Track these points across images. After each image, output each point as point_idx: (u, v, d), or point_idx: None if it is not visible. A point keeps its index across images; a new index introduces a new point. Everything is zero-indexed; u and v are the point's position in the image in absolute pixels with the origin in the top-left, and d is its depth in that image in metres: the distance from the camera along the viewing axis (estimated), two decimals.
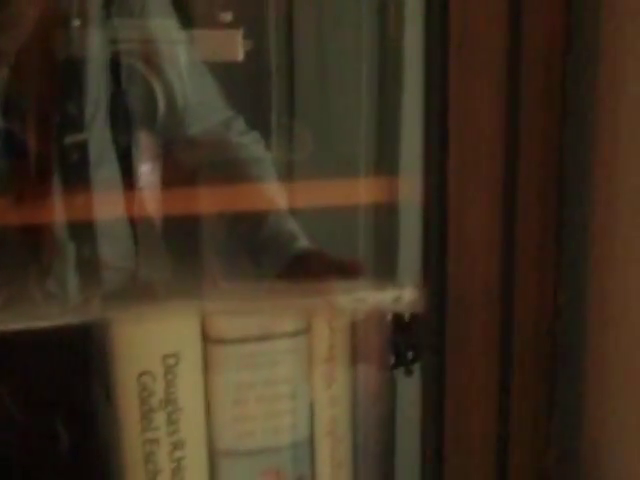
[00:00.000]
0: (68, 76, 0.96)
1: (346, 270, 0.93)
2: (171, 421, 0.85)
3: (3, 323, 0.79)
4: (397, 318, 0.86)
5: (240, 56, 0.91)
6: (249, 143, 1.06)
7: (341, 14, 1.01)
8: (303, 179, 0.98)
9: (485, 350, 0.81)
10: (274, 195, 1.03)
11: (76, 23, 0.91)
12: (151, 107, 0.91)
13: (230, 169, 1.05)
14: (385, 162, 1.00)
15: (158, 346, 0.84)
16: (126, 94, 0.92)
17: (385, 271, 0.87)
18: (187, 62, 0.91)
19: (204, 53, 0.90)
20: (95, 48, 0.91)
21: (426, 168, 0.78)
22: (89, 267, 0.99)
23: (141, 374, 0.84)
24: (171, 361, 0.84)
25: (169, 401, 0.85)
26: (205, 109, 1.04)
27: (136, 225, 1.01)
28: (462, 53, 0.75)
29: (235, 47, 0.90)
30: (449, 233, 0.78)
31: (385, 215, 0.91)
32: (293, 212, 1.01)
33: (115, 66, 0.91)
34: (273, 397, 0.87)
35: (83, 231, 0.99)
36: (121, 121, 0.95)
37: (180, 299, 0.85)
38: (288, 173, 1.01)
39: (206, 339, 0.85)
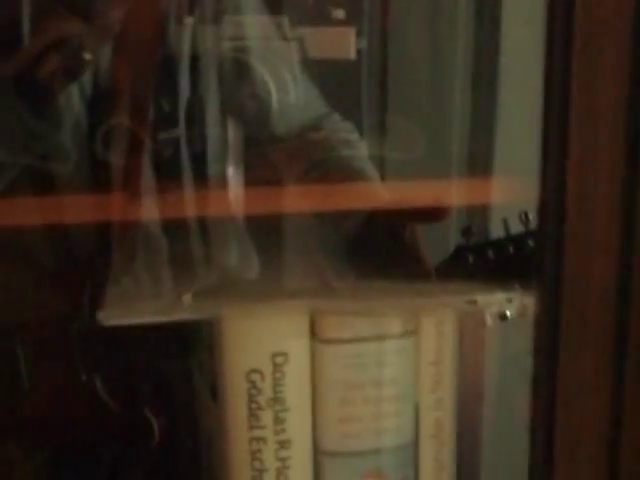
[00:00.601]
0: (173, 73, 0.96)
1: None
2: (278, 420, 0.85)
3: (117, 318, 0.80)
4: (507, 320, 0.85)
5: (353, 54, 0.90)
6: (342, 139, 1.05)
7: (441, 12, 1.00)
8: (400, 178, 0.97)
9: (599, 355, 0.79)
10: (374, 188, 1.01)
11: (188, 21, 0.91)
12: (265, 105, 0.90)
13: (325, 167, 1.04)
14: (480, 162, 0.98)
15: (268, 344, 0.84)
16: (239, 92, 0.92)
17: (495, 273, 0.86)
18: (299, 60, 0.91)
19: (316, 51, 0.90)
20: (207, 45, 0.91)
21: (543, 169, 0.77)
22: (182, 263, 0.99)
23: (250, 371, 0.84)
24: (280, 359, 0.84)
25: (277, 400, 0.85)
26: (297, 109, 1.04)
27: (229, 223, 1.01)
28: (585, 53, 0.73)
29: (348, 45, 0.89)
30: (566, 234, 0.77)
31: (491, 215, 0.90)
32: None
33: (227, 63, 0.91)
34: (380, 398, 0.87)
35: (176, 227, 0.99)
36: (231, 119, 0.95)
37: (290, 297, 0.84)
38: (384, 172, 1.00)
39: (315, 338, 0.85)
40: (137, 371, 1.01)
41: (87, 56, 0.89)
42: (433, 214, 0.91)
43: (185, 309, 0.82)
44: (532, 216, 0.86)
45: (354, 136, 1.04)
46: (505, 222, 0.91)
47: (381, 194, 0.98)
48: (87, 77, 0.94)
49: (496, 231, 0.93)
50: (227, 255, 1.01)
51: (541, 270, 0.79)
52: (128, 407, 1.01)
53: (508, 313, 0.82)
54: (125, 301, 0.81)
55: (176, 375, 1.01)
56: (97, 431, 1.05)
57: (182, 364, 0.99)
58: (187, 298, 0.85)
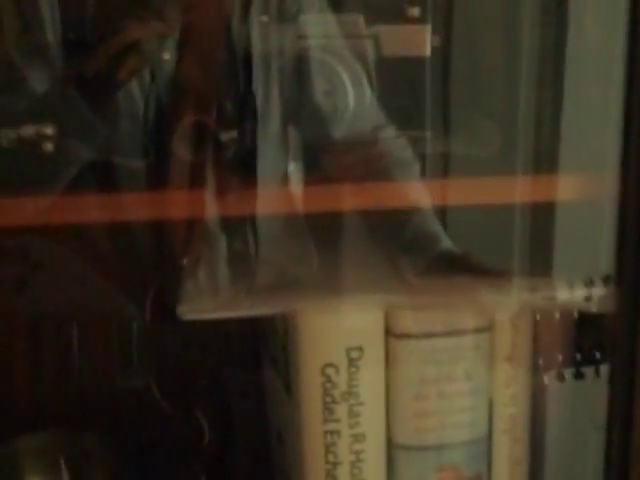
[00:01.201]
0: (248, 71, 0.97)
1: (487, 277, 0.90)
2: (352, 414, 0.85)
3: (196, 313, 0.80)
4: (586, 317, 0.84)
5: (428, 51, 0.90)
6: (397, 147, 1.04)
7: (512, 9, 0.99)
8: (474, 175, 0.96)
9: None
10: (419, 197, 1.01)
11: (264, 19, 0.92)
12: (342, 103, 0.90)
13: (376, 169, 1.04)
14: (548, 160, 0.97)
15: (343, 339, 0.84)
16: (312, 90, 0.92)
17: (570, 269, 0.85)
18: (374, 59, 0.91)
19: (392, 49, 0.90)
20: (282, 43, 0.91)
21: (624, 166, 0.75)
22: (240, 260, 0.99)
23: (325, 366, 0.84)
24: (355, 354, 0.84)
25: (351, 394, 0.85)
26: (368, 109, 1.04)
27: (287, 221, 1.01)
28: None
29: (424, 42, 0.89)
30: None
31: (566, 213, 0.88)
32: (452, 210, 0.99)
33: (303, 62, 0.91)
34: (454, 394, 0.87)
35: (235, 224, 0.99)
36: (305, 117, 0.95)
37: (365, 292, 0.84)
38: (448, 170, 0.99)
39: (390, 333, 0.85)
40: (207, 368, 1.02)
41: (166, 56, 0.89)
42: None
43: (262, 304, 0.82)
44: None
45: (408, 154, 1.04)
46: None
47: (421, 199, 0.97)
48: (162, 76, 0.95)
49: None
50: (288, 253, 1.01)
51: (621, 267, 0.78)
52: (185, 408, 1.02)
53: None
54: (202, 296, 0.82)
55: (247, 371, 1.02)
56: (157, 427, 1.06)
57: (253, 360, 1.00)
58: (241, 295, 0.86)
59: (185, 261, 0.96)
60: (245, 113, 0.97)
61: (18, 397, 1.09)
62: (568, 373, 0.89)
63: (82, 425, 1.06)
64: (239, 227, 1.00)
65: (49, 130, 0.80)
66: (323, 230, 0.98)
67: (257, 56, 0.95)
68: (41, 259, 1.02)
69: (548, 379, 0.88)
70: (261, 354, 1.00)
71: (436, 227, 1.01)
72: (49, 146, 0.81)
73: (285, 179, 1.02)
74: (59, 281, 1.03)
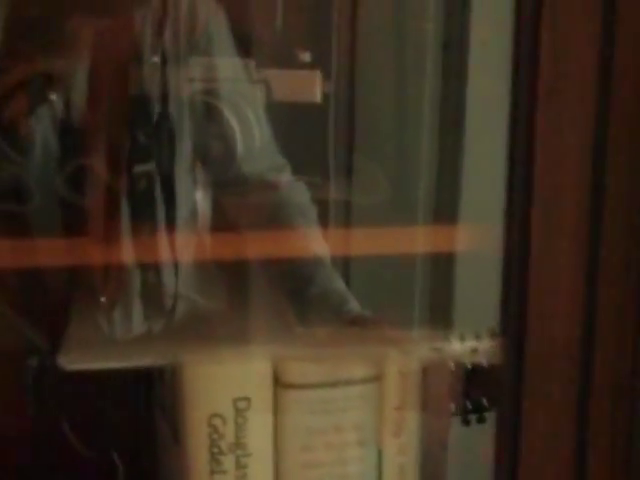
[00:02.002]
0: (140, 109, 0.95)
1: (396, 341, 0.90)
2: (240, 465, 0.84)
3: (82, 362, 0.78)
4: (475, 368, 0.84)
5: (319, 97, 0.89)
6: (297, 192, 1.04)
7: (409, 58, 1.00)
8: (362, 225, 0.96)
9: (562, 406, 0.79)
10: (319, 245, 1.01)
11: (154, 60, 0.90)
12: (230, 146, 0.90)
13: (276, 214, 1.03)
14: (445, 210, 0.97)
15: (230, 389, 0.83)
16: (203, 132, 0.91)
17: (455, 321, 0.85)
18: (264, 103, 0.90)
19: (282, 93, 0.89)
20: (172, 85, 0.90)
21: (508, 217, 0.76)
22: (154, 294, 0.98)
23: (212, 416, 0.82)
24: (242, 405, 0.83)
25: (239, 445, 0.84)
26: (260, 151, 1.03)
27: (196, 259, 1.00)
28: (551, 101, 0.73)
29: (314, 88, 0.88)
30: (530, 285, 0.76)
31: (453, 265, 0.89)
32: (352, 259, 1.00)
33: (195, 104, 0.90)
34: (342, 444, 0.86)
35: (148, 258, 0.98)
36: (199, 157, 0.94)
37: (253, 343, 0.83)
38: (348, 219, 0.99)
39: (277, 383, 0.83)
40: (101, 414, 1.00)
41: (52, 96, 0.87)
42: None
43: (148, 354, 0.80)
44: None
45: (306, 199, 1.03)
46: None
47: (319, 247, 0.97)
48: (56, 116, 0.93)
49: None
50: (198, 287, 1.00)
51: (506, 319, 0.78)
52: (93, 450, 0.99)
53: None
54: (86, 345, 0.79)
55: (140, 418, 0.99)
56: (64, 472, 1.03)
57: (147, 407, 0.98)
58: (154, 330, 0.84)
59: (102, 299, 0.95)
60: (151, 152, 0.96)
61: None
62: (456, 420, 0.89)
63: None
64: (152, 262, 0.98)
65: None
66: (227, 271, 0.98)
67: (162, 97, 0.94)
68: None
69: (437, 426, 0.88)
70: (151, 401, 0.97)
71: (341, 285, 1.01)
72: None
73: (193, 217, 1.02)
74: None
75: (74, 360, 0.79)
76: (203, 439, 0.83)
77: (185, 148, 0.99)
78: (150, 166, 0.96)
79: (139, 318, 1.00)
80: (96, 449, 1.02)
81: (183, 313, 1.01)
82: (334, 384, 0.84)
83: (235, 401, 0.83)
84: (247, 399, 0.83)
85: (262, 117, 0.92)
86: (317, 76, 0.89)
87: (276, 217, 1.03)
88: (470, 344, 0.81)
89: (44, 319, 1.01)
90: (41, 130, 0.89)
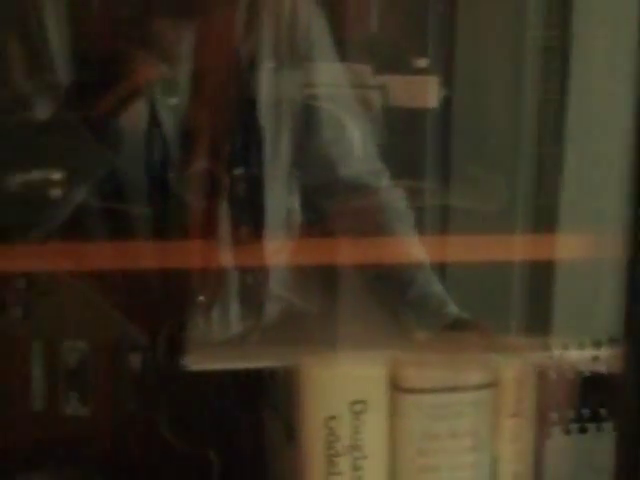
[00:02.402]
0: (242, 113, 0.97)
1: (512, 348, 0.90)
2: (356, 467, 0.85)
3: (202, 363, 0.80)
4: (593, 375, 0.83)
5: (435, 103, 0.90)
6: (395, 197, 1.05)
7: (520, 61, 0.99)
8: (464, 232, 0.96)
9: None
10: (418, 251, 1.01)
11: (269, 65, 0.92)
12: (347, 152, 0.90)
13: (373, 219, 1.04)
14: (546, 217, 0.96)
15: (347, 392, 0.84)
16: (318, 137, 0.92)
17: (581, 328, 0.84)
18: (380, 109, 0.91)
19: (399, 99, 0.90)
20: (285, 89, 0.92)
21: (635, 224, 0.75)
22: (251, 296, 0.99)
23: (328, 418, 0.83)
24: (358, 407, 0.84)
25: (354, 447, 0.84)
26: (359, 156, 1.04)
27: (292, 262, 1.00)
28: None
29: (430, 94, 0.89)
30: None
31: (555, 272, 0.88)
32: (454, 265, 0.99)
33: (309, 109, 0.91)
34: (457, 449, 0.86)
35: (246, 260, 0.99)
36: (298, 160, 0.95)
37: (370, 346, 0.83)
38: (456, 224, 0.99)
39: (394, 388, 0.84)
40: (208, 411, 1.01)
41: (173, 101, 0.89)
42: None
43: (268, 356, 0.82)
44: None
45: (403, 204, 1.04)
46: None
47: (418, 254, 0.97)
48: (169, 120, 0.95)
49: None
50: (294, 288, 1.01)
51: (628, 326, 0.78)
52: (193, 445, 1.01)
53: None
54: (209, 346, 0.81)
55: (249, 417, 1.01)
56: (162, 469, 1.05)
57: (255, 406, 0.99)
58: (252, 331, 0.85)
59: (200, 299, 0.97)
60: (252, 156, 0.98)
61: (36, 431, 1.08)
62: (573, 428, 0.88)
63: (85, 461, 1.06)
64: (249, 264, 0.99)
65: (57, 176, 0.80)
66: (324, 274, 0.98)
67: (265, 101, 0.95)
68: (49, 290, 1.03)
69: (554, 434, 0.87)
70: (261, 399, 0.99)
71: (439, 288, 1.01)
72: (56, 192, 0.81)
73: (289, 224, 1.03)
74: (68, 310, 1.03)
75: (198, 360, 0.81)
76: (319, 441, 0.84)
77: (284, 152, 1.01)
78: (249, 169, 0.97)
79: (236, 319, 1.02)
80: (195, 446, 1.03)
81: (279, 315, 1.02)
82: (450, 389, 0.85)
83: (352, 404, 0.84)
84: (364, 402, 0.84)
85: (378, 123, 0.92)
86: (433, 82, 0.89)
87: (374, 222, 1.04)
88: (590, 352, 0.81)
89: (145, 317, 1.04)
90: (161, 134, 0.91)
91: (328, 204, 1.05)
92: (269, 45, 0.97)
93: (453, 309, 1.01)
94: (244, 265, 0.98)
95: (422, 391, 0.84)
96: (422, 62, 0.91)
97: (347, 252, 0.95)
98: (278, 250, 1.01)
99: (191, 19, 0.96)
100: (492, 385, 0.86)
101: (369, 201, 1.03)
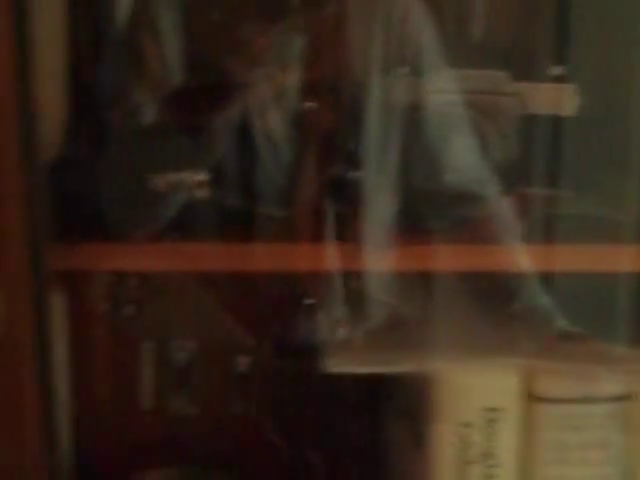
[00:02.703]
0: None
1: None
2: (488, 475, 0.85)
3: (342, 366, 0.80)
4: None
5: (571, 111, 0.89)
6: (503, 207, 1.04)
7: None
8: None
9: None
10: (524, 262, 1.00)
11: (403, 71, 0.92)
12: (487, 160, 0.90)
13: (480, 227, 1.03)
14: None
15: (481, 399, 0.83)
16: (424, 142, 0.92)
17: None
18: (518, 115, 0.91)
19: (535, 106, 0.89)
20: (394, 94, 0.92)
21: None
22: (357, 300, 0.99)
23: (462, 425, 0.83)
24: (492, 415, 0.83)
25: (487, 455, 0.84)
26: (468, 163, 1.04)
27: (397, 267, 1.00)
28: None
29: (566, 102, 0.88)
30: None
31: None
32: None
33: (445, 115, 0.91)
34: (589, 461, 0.85)
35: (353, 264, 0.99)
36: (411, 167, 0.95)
37: (507, 354, 0.83)
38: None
39: (529, 396, 0.83)
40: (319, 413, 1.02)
41: (308, 105, 0.90)
42: None
43: (406, 361, 0.82)
44: None
45: (511, 213, 1.03)
46: None
47: (524, 263, 0.96)
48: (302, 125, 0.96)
49: None
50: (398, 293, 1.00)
51: None
52: (300, 447, 1.02)
53: None
54: (345, 350, 0.81)
55: (366, 421, 1.01)
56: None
57: (375, 410, 0.99)
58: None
59: (309, 301, 0.97)
60: (361, 160, 0.98)
61: (145, 430, 1.09)
62: None
63: (192, 461, 1.07)
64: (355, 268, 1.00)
65: (202, 176, 0.81)
66: (427, 281, 0.98)
67: (375, 106, 0.95)
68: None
69: None
70: (383, 403, 0.99)
71: (547, 300, 1.00)
72: (202, 192, 0.82)
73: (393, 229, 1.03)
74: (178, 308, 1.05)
75: (338, 363, 0.81)
76: (451, 447, 0.84)
77: (392, 156, 1.01)
78: (356, 173, 0.97)
79: (343, 323, 1.02)
80: (302, 449, 1.04)
81: (384, 320, 1.02)
82: (585, 400, 0.84)
83: (486, 411, 0.83)
84: (498, 410, 0.83)
85: (516, 131, 0.92)
86: (570, 89, 0.89)
87: (480, 230, 1.03)
88: None
89: (252, 319, 1.05)
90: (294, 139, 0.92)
91: (431, 211, 1.05)
92: (379, 50, 0.98)
93: (562, 323, 1.00)
94: (349, 269, 0.98)
95: (556, 401, 0.84)
96: (558, 70, 0.91)
97: (450, 259, 0.94)
98: (382, 255, 1.01)
99: (301, 25, 0.97)
100: (626, 397, 0.85)
101: (476, 209, 1.03)
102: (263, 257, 0.94)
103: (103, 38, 1.02)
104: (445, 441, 0.84)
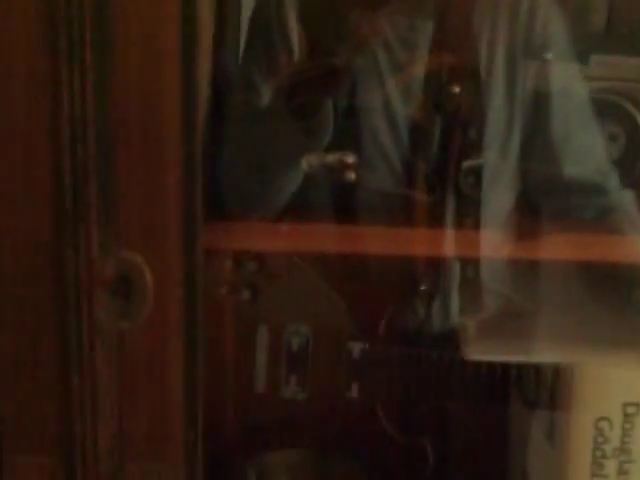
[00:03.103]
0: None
1: None
2: (622, 471, 0.84)
3: (481, 354, 0.79)
4: None
5: None
6: (625, 200, 1.02)
7: None
8: None
9: None
10: None
11: (548, 56, 0.91)
12: (634, 148, 0.89)
13: (602, 219, 1.02)
14: None
15: (619, 393, 0.82)
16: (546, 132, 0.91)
17: None
18: None
19: None
20: (519, 83, 0.91)
21: None
22: (471, 288, 0.98)
23: (599, 419, 0.82)
24: (631, 410, 0.83)
25: (623, 450, 0.84)
26: (587, 155, 1.02)
27: (511, 257, 0.99)
28: None
29: None
30: None
31: None
32: None
33: (544, 103, 0.90)
34: None
35: (469, 252, 0.99)
36: (533, 157, 0.94)
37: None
38: None
39: None
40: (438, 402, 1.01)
41: (455, 89, 0.90)
42: None
43: (547, 351, 0.81)
44: None
45: (634, 207, 1.01)
46: None
47: None
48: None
49: None
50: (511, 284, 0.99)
51: None
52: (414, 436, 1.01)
53: None
54: (488, 338, 0.81)
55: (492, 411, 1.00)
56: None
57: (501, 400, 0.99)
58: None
59: (422, 288, 0.97)
60: (483, 148, 0.97)
61: (263, 413, 1.10)
62: None
63: (302, 445, 1.07)
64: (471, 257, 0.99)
65: (351, 159, 0.81)
66: (543, 272, 0.97)
67: (500, 94, 0.95)
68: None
69: None
70: (511, 393, 0.98)
71: None
72: (351, 175, 0.82)
73: (511, 219, 1.02)
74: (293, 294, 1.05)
75: (479, 351, 0.81)
76: (587, 441, 0.83)
77: (514, 146, 1.00)
78: (478, 161, 0.97)
79: (455, 311, 1.01)
80: (417, 437, 1.03)
81: (498, 310, 1.01)
82: None
83: (625, 406, 0.82)
84: (637, 405, 0.82)
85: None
86: None
87: (602, 222, 1.02)
88: None
89: (365, 304, 1.04)
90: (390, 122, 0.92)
91: (551, 201, 1.03)
92: (506, 38, 0.97)
93: None
94: (466, 257, 0.98)
95: None
96: None
97: (567, 249, 0.93)
98: (498, 244, 1.00)
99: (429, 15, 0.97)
100: None
101: (595, 201, 1.01)
102: (381, 240, 0.94)
103: (229, 22, 1.03)
104: (581, 435, 0.83)
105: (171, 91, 0.69)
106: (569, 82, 0.99)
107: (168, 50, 0.68)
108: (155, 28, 0.69)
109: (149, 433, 0.77)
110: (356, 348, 1.09)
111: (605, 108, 0.89)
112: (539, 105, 0.99)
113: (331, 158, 0.82)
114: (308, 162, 0.82)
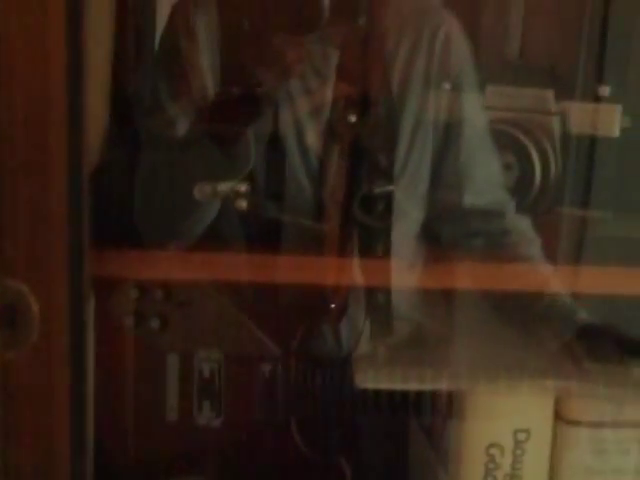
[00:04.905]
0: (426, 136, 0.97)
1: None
2: None
3: (371, 382, 0.80)
4: None
5: (617, 132, 0.89)
6: (521, 224, 1.04)
7: None
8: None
9: None
10: (549, 277, 1.00)
11: (452, 86, 0.92)
12: (527, 177, 0.91)
13: (502, 243, 1.03)
14: None
15: (510, 420, 0.84)
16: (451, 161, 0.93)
17: None
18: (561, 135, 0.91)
19: (579, 127, 0.90)
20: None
21: None
22: (381, 314, 0.99)
23: (490, 445, 0.84)
24: (522, 436, 0.84)
25: (514, 476, 0.86)
26: (487, 183, 1.04)
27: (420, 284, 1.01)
28: None
29: (612, 122, 0.89)
30: None
31: None
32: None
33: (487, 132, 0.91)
34: None
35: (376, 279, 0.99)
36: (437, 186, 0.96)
37: (537, 377, 0.83)
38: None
39: (559, 419, 0.84)
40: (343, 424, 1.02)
41: (351, 118, 0.91)
42: None
43: (434, 379, 0.82)
44: None
45: (530, 228, 1.04)
46: None
47: (551, 279, 0.96)
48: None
49: None
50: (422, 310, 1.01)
51: None
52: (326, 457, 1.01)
53: None
54: (376, 366, 0.82)
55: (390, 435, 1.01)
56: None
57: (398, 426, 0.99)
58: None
59: (332, 306, 0.97)
60: (391, 176, 0.98)
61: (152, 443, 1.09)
62: None
63: (216, 471, 1.07)
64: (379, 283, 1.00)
65: (243, 187, 0.82)
66: (450, 297, 0.98)
67: (409, 123, 0.96)
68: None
69: None
70: (408, 420, 0.99)
71: (567, 298, 1.00)
72: (243, 203, 0.82)
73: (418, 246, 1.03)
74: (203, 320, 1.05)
75: (368, 379, 0.81)
76: (479, 467, 0.85)
77: (423, 173, 1.01)
78: (386, 189, 0.98)
79: (365, 336, 1.02)
80: (328, 458, 1.03)
81: (408, 336, 1.02)
82: (616, 425, 0.84)
83: (515, 432, 0.84)
84: (527, 431, 0.84)
85: (558, 150, 0.92)
86: (615, 110, 0.89)
87: (500, 246, 1.03)
88: None
89: (276, 328, 1.05)
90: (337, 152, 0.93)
91: (450, 228, 1.05)
92: (414, 67, 0.98)
93: (583, 315, 0.99)
94: (373, 284, 0.99)
95: (586, 424, 0.84)
96: (604, 90, 0.91)
97: (471, 276, 0.94)
98: (406, 271, 1.01)
99: (337, 38, 0.98)
100: None
101: (495, 223, 1.03)
102: (290, 269, 0.95)
103: (142, 48, 1.03)
104: (473, 461, 0.85)
105: (57, 120, 0.69)
106: (473, 112, 1.01)
107: (54, 81, 0.68)
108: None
109: (35, 465, 0.77)
110: (267, 370, 1.09)
111: (500, 138, 0.91)
112: (447, 134, 1.00)
113: (224, 187, 0.82)
114: (200, 191, 0.82)
